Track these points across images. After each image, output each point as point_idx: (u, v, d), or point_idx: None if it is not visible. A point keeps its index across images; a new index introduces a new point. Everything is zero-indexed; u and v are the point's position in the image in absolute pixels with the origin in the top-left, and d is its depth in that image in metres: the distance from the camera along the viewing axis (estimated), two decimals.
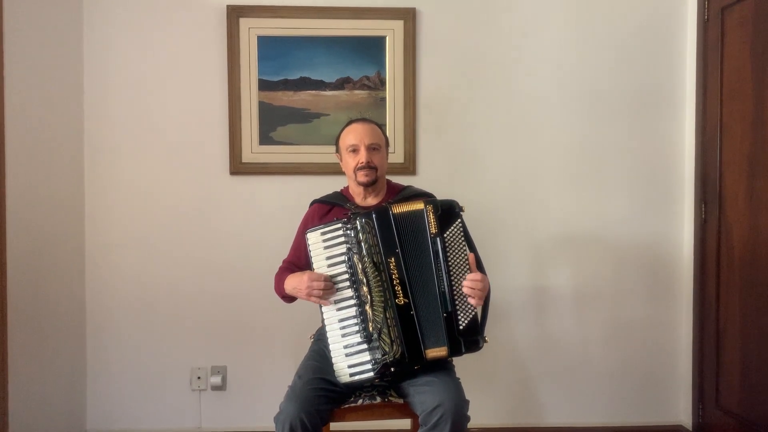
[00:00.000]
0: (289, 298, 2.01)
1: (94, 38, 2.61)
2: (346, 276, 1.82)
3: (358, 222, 1.80)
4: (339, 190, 2.14)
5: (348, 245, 1.82)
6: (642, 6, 2.71)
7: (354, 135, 2.00)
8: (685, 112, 2.73)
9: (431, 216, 1.79)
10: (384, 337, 1.77)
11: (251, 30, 2.62)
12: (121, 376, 2.67)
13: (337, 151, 2.10)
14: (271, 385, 2.63)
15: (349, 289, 1.82)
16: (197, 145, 2.65)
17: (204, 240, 2.66)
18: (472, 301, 1.77)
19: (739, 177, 2.42)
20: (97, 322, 2.66)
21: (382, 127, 2.13)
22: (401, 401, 1.87)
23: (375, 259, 1.79)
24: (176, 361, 2.68)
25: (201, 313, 2.67)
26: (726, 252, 2.50)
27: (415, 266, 1.79)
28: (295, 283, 1.89)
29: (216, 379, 2.66)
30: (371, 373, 1.78)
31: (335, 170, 2.18)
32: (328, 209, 2.06)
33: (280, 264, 2.11)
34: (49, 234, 2.41)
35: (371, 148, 1.98)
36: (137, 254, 2.66)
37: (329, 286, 1.81)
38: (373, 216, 1.80)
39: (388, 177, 2.15)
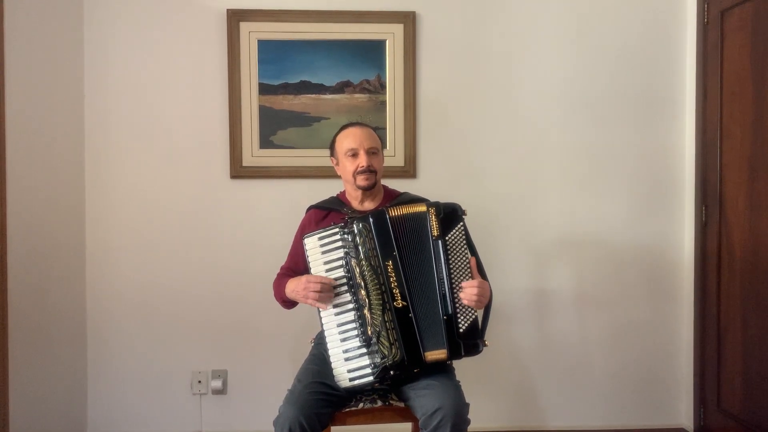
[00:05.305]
0: (290, 303, 2.00)
1: (95, 42, 2.62)
2: (344, 280, 1.81)
3: (355, 226, 1.80)
4: (335, 194, 2.14)
5: (345, 249, 1.81)
6: (641, 9, 2.71)
7: (353, 139, 1.99)
8: (685, 114, 2.72)
9: (434, 219, 1.79)
10: (383, 340, 1.77)
11: (251, 34, 2.62)
12: (121, 380, 2.68)
13: (332, 155, 2.09)
14: (271, 389, 2.62)
15: (348, 294, 1.81)
16: (198, 148, 2.66)
17: (204, 243, 2.67)
18: (471, 305, 1.77)
19: (740, 179, 2.42)
20: (98, 326, 2.67)
21: (377, 130, 2.14)
22: (402, 405, 1.87)
23: (372, 263, 1.78)
24: (177, 365, 2.68)
25: (202, 316, 2.68)
26: (727, 254, 2.49)
27: (415, 269, 1.79)
28: (293, 285, 1.89)
29: (216, 383, 2.67)
30: (371, 378, 1.78)
31: (336, 174, 2.18)
32: (325, 214, 2.05)
33: (278, 271, 2.11)
34: (50, 237, 2.42)
35: (370, 152, 1.98)
36: (138, 257, 2.66)
37: (326, 287, 1.79)
38: (370, 219, 1.80)
39: (385, 182, 2.15)
